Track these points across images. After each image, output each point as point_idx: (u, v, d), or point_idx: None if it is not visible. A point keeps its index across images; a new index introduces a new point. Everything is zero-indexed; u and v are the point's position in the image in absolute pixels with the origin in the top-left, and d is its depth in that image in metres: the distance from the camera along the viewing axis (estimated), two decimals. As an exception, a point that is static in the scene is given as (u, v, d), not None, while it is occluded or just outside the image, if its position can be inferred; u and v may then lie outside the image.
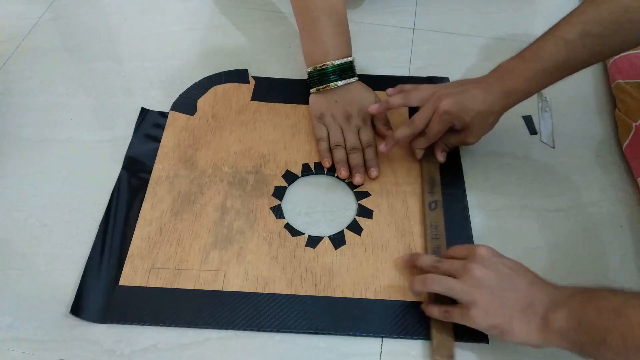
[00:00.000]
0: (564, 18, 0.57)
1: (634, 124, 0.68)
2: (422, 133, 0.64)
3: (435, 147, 0.66)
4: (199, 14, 0.87)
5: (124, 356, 0.52)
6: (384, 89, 0.75)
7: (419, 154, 0.66)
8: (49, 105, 0.73)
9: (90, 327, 0.54)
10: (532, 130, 0.70)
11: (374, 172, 0.66)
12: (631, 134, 0.68)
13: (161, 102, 0.74)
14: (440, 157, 0.66)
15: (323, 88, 0.69)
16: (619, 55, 0.75)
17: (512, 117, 0.72)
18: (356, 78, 0.70)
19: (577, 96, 0.76)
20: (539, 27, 0.85)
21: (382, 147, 0.65)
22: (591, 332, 0.43)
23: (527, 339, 0.48)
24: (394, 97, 0.66)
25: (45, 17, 0.85)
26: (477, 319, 0.49)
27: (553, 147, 0.70)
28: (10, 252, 0.59)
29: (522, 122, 0.72)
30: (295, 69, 0.78)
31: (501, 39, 0.83)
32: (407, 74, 0.79)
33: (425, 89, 0.64)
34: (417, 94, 0.64)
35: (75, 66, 0.79)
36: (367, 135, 0.68)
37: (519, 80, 0.58)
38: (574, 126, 0.72)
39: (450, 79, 0.77)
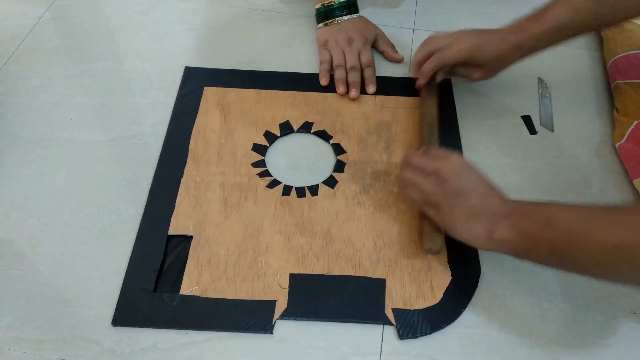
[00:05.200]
0: None
1: (630, 126, 0.67)
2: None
3: (439, 71, 0.70)
4: (199, 14, 0.87)
5: (124, 356, 0.53)
6: (382, 91, 0.75)
7: (425, 76, 0.71)
8: (49, 106, 0.73)
9: (90, 327, 0.54)
10: (532, 130, 0.71)
11: (372, 88, 0.74)
12: (625, 136, 0.67)
13: (161, 102, 0.74)
14: (440, 77, 0.71)
15: (330, 22, 0.78)
16: (619, 55, 0.75)
17: (512, 117, 0.73)
18: (359, 14, 0.80)
19: (577, 96, 0.76)
20: (539, 27, 0.86)
21: (418, 82, 0.72)
22: (525, 241, 0.50)
23: (471, 242, 0.54)
24: (427, 63, 0.70)
25: (46, 18, 0.85)
26: (431, 215, 0.57)
27: (552, 131, 0.70)
28: (10, 252, 0.59)
29: (521, 122, 0.72)
30: (295, 70, 0.78)
31: (501, 39, 0.83)
32: (407, 74, 0.79)
33: (445, 36, 0.69)
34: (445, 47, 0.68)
35: (75, 66, 0.79)
36: (366, 56, 0.76)
37: (527, 36, 0.64)
38: (574, 126, 0.72)
39: (450, 79, 0.77)
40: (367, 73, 0.75)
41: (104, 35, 0.84)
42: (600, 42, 0.82)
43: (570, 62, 0.80)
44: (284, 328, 0.55)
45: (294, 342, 0.54)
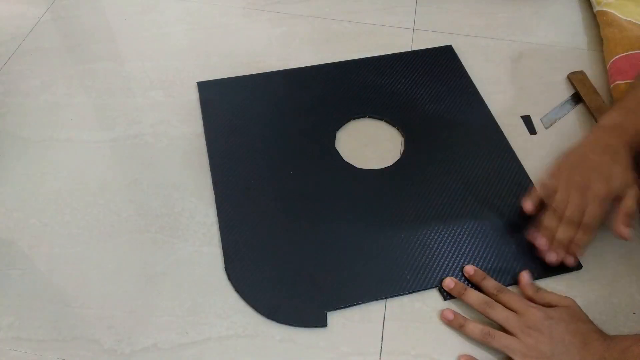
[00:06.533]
0: None
1: None
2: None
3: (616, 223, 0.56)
4: (199, 14, 0.87)
5: (125, 356, 0.53)
6: (384, 73, 0.76)
7: (582, 251, 0.58)
8: (49, 106, 0.74)
9: (90, 327, 0.54)
10: (532, 130, 0.71)
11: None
12: None
13: (161, 102, 0.74)
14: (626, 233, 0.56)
15: None
16: (619, 55, 0.75)
17: (512, 117, 0.73)
18: None
19: (576, 96, 0.76)
20: (539, 28, 0.86)
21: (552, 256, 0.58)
22: None
23: None
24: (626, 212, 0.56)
25: (46, 18, 0.85)
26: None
27: (546, 128, 0.70)
28: (10, 252, 0.60)
29: (521, 122, 0.72)
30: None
31: (501, 39, 0.83)
32: (407, 74, 0.79)
33: (562, 191, 0.57)
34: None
35: (75, 66, 0.79)
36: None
37: (632, 132, 0.58)
38: (574, 127, 0.72)
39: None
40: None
41: (104, 35, 0.84)
42: (600, 42, 0.82)
43: (570, 62, 0.80)
44: (284, 327, 0.55)
45: (294, 342, 0.54)
